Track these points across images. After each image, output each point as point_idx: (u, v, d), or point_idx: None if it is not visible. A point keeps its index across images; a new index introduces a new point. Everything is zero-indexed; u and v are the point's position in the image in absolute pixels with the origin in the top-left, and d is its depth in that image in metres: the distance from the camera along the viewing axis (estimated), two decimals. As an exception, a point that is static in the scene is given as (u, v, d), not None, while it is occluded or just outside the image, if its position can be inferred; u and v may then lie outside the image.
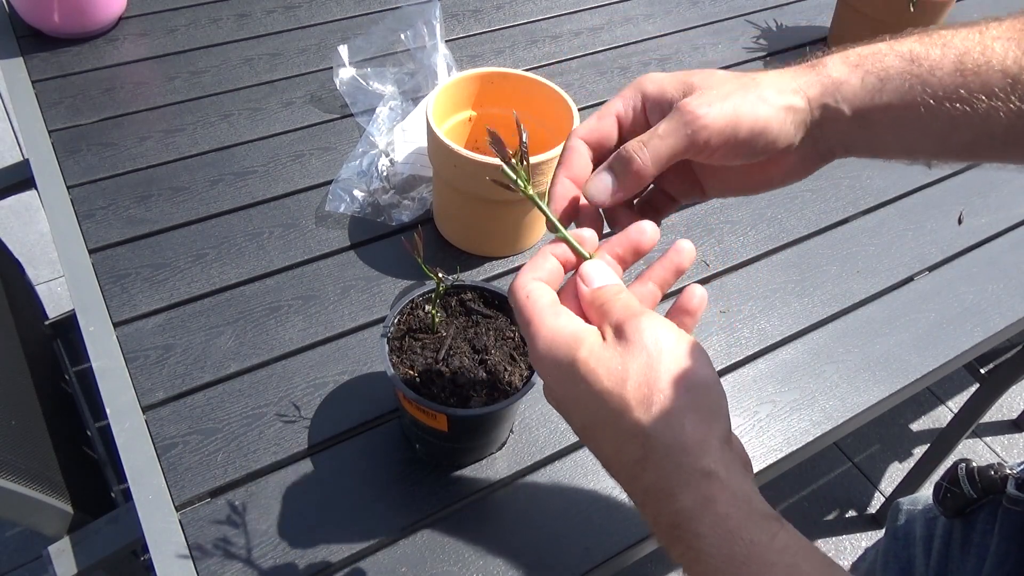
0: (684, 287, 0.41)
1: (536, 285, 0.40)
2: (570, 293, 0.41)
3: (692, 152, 0.40)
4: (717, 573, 0.33)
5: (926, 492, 0.75)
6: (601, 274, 0.40)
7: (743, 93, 0.40)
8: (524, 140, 0.42)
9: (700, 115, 0.39)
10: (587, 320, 0.40)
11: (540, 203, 0.42)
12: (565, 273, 0.42)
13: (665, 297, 0.41)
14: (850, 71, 0.41)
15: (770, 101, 0.40)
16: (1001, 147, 0.40)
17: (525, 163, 0.41)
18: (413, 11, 1.01)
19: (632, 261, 0.42)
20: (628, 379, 0.35)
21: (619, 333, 0.37)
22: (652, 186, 0.47)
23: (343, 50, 0.98)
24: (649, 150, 0.40)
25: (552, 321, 0.38)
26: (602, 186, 0.41)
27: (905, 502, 0.79)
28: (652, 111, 0.42)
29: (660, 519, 0.35)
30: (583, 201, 0.43)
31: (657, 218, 0.47)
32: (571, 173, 0.43)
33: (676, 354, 0.36)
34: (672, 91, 0.41)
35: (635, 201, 0.48)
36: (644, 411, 0.35)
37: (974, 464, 0.67)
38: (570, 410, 0.38)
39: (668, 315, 0.40)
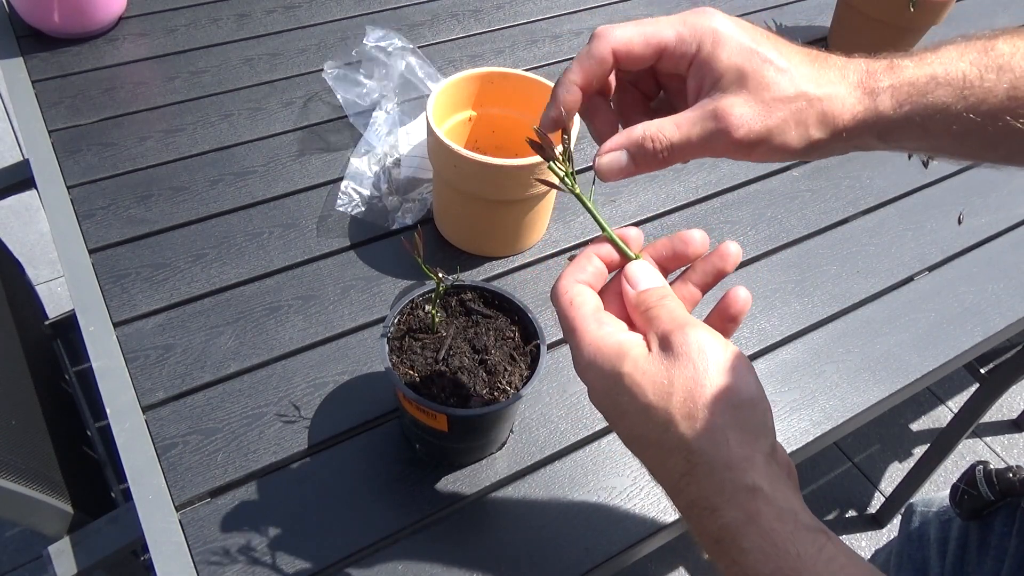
0: (728, 290, 0.40)
1: (580, 289, 0.39)
2: (613, 292, 0.41)
3: (711, 154, 0.39)
4: None
5: (940, 494, 0.75)
6: (647, 276, 0.40)
7: (784, 116, 0.38)
8: (570, 141, 0.41)
9: (734, 133, 0.38)
10: (630, 322, 0.39)
11: (587, 202, 0.41)
12: (609, 273, 0.41)
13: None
14: (897, 106, 0.38)
15: (804, 133, 0.38)
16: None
17: (570, 164, 0.41)
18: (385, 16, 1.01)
19: (674, 268, 0.41)
20: (673, 393, 0.35)
21: (665, 344, 0.36)
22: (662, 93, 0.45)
23: (327, 68, 0.98)
24: (674, 148, 0.38)
25: (596, 330, 0.37)
26: (616, 165, 0.39)
27: (919, 504, 0.78)
28: (697, 71, 0.39)
29: (704, 533, 0.35)
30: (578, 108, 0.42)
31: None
32: (584, 66, 0.40)
33: (722, 368, 0.35)
34: (726, 70, 0.38)
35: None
36: (689, 426, 0.34)
37: (992, 466, 0.67)
38: (615, 420, 0.38)
39: (708, 318, 0.40)
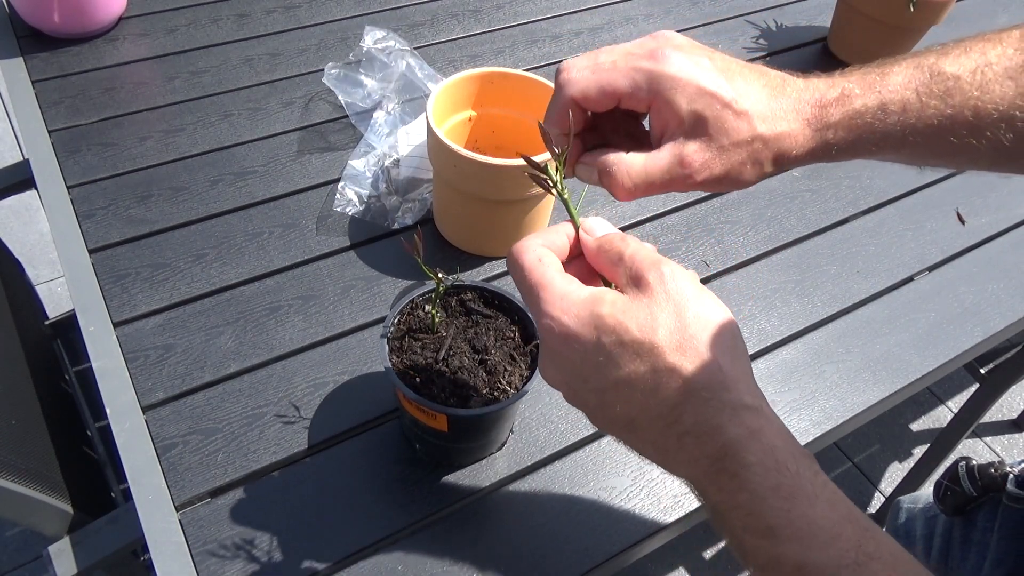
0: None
1: (546, 251, 0.39)
2: (574, 268, 0.41)
3: (673, 189, 0.43)
4: (762, 501, 0.33)
5: (926, 491, 0.75)
6: (603, 225, 0.41)
7: (741, 158, 0.41)
8: (560, 151, 0.42)
9: (696, 177, 0.41)
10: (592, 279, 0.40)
11: (568, 204, 0.42)
12: (571, 256, 0.42)
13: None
14: (844, 136, 0.42)
15: (759, 171, 0.42)
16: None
17: (563, 168, 0.42)
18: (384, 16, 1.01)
19: None
20: (659, 327, 0.35)
21: (639, 283, 0.36)
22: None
23: (328, 68, 0.98)
24: (638, 187, 0.42)
25: (565, 284, 0.37)
26: (588, 176, 0.44)
27: (905, 500, 0.79)
28: (658, 114, 0.42)
29: (702, 457, 0.35)
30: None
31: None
32: (557, 126, 0.44)
33: (701, 301, 0.36)
34: (689, 116, 0.41)
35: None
36: (679, 355, 0.35)
37: (975, 462, 0.67)
38: (586, 375, 0.37)
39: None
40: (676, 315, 0.35)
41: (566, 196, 0.42)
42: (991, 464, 0.66)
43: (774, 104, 0.42)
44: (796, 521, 0.33)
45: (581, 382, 0.37)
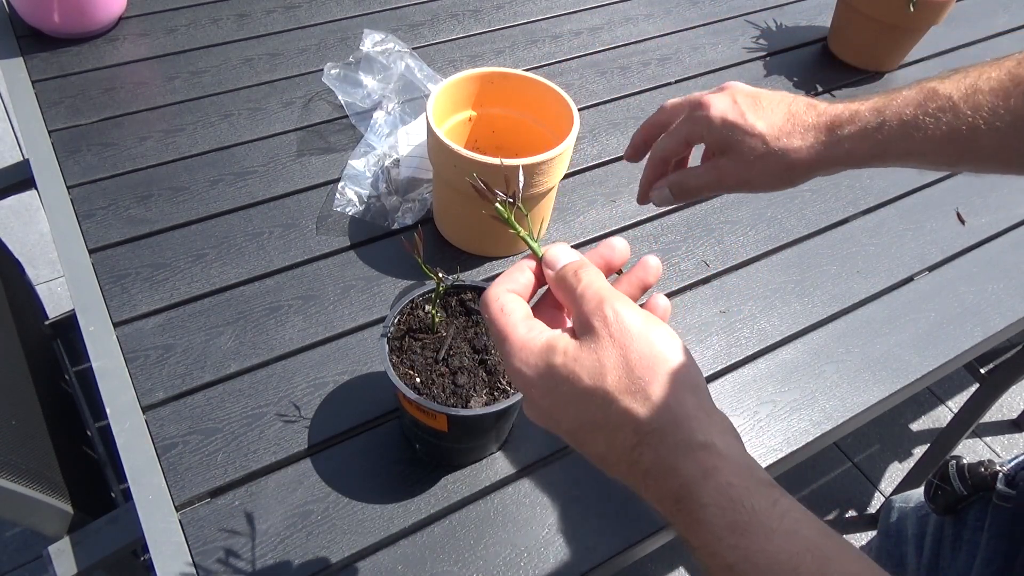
0: (649, 298, 0.41)
1: (510, 298, 0.41)
2: (545, 304, 0.43)
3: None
4: (719, 541, 0.34)
5: (918, 490, 0.75)
6: (564, 254, 0.42)
7: (763, 168, 0.55)
8: (516, 191, 0.46)
9: (726, 181, 0.57)
10: (562, 325, 0.41)
11: (527, 238, 0.44)
12: (537, 288, 0.43)
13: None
14: (852, 148, 0.53)
15: (779, 173, 0.55)
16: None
17: (515, 206, 0.46)
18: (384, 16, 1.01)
19: (606, 275, 0.43)
20: (607, 373, 0.36)
21: (586, 329, 0.37)
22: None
23: (328, 68, 0.98)
24: (691, 188, 0.59)
25: (525, 333, 0.39)
26: (664, 198, 0.60)
27: (897, 500, 0.79)
28: (711, 141, 0.58)
29: (664, 496, 0.36)
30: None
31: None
32: (645, 135, 0.64)
33: (645, 338, 0.37)
34: (717, 144, 0.57)
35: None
36: (629, 399, 0.36)
37: (965, 461, 0.67)
38: (557, 418, 0.39)
39: (618, 283, 0.42)
40: (622, 357, 0.36)
41: (523, 234, 0.44)
42: (981, 463, 0.66)
43: (790, 125, 0.54)
44: (753, 558, 0.33)
45: (554, 424, 0.39)
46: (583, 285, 0.39)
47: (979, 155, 0.50)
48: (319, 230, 0.82)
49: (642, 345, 0.36)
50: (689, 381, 0.37)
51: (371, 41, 1.00)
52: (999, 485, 0.63)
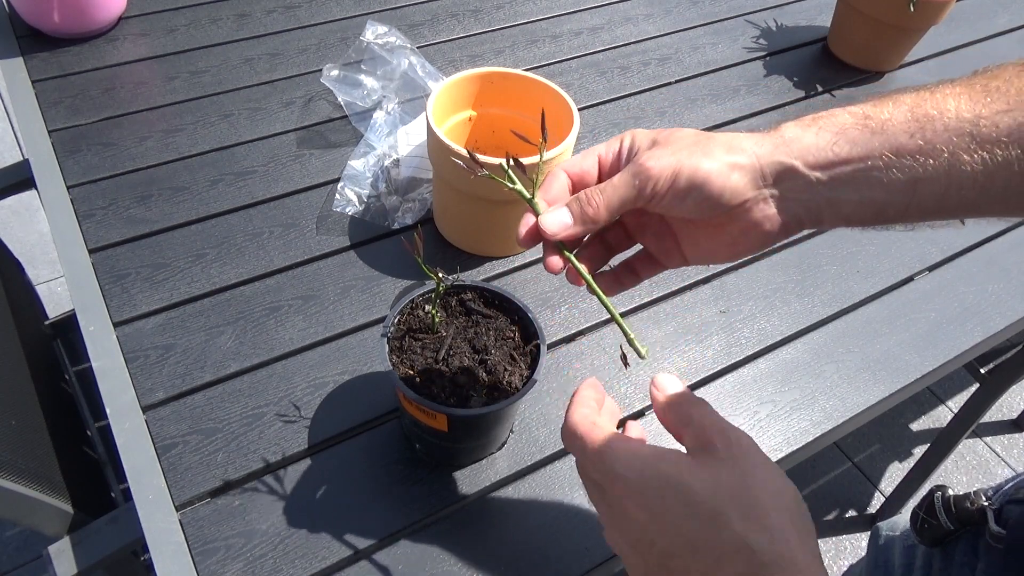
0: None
1: (597, 417, 0.40)
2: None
3: (642, 200, 0.43)
4: None
5: (905, 516, 0.74)
6: (674, 383, 0.41)
7: (692, 149, 0.42)
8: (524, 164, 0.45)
9: (648, 167, 0.42)
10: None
11: (535, 204, 0.45)
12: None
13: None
14: (803, 130, 0.41)
15: (715, 156, 0.41)
16: (973, 202, 0.39)
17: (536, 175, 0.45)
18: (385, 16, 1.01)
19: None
20: (721, 492, 0.34)
21: (706, 445, 0.36)
22: (639, 247, 0.50)
23: (327, 68, 0.98)
24: (604, 196, 0.43)
25: (624, 443, 0.37)
26: (557, 221, 0.44)
27: (884, 527, 0.78)
28: (624, 160, 0.45)
29: None
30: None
31: (636, 280, 0.49)
32: (547, 196, 0.46)
33: (765, 468, 0.35)
34: (640, 144, 0.44)
35: (615, 263, 0.51)
36: (746, 525, 0.33)
37: (950, 492, 0.66)
38: (653, 535, 0.35)
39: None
40: (742, 482, 0.34)
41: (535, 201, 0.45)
42: (966, 496, 0.64)
43: (721, 134, 0.45)
44: None
45: (646, 543, 0.36)
46: (701, 412, 0.38)
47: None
48: (319, 230, 0.82)
49: (764, 474, 0.34)
50: (808, 525, 0.34)
51: (373, 33, 1.00)
52: (991, 523, 0.60)
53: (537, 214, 0.44)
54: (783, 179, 0.41)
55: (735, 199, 0.42)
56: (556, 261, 0.45)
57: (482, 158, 0.68)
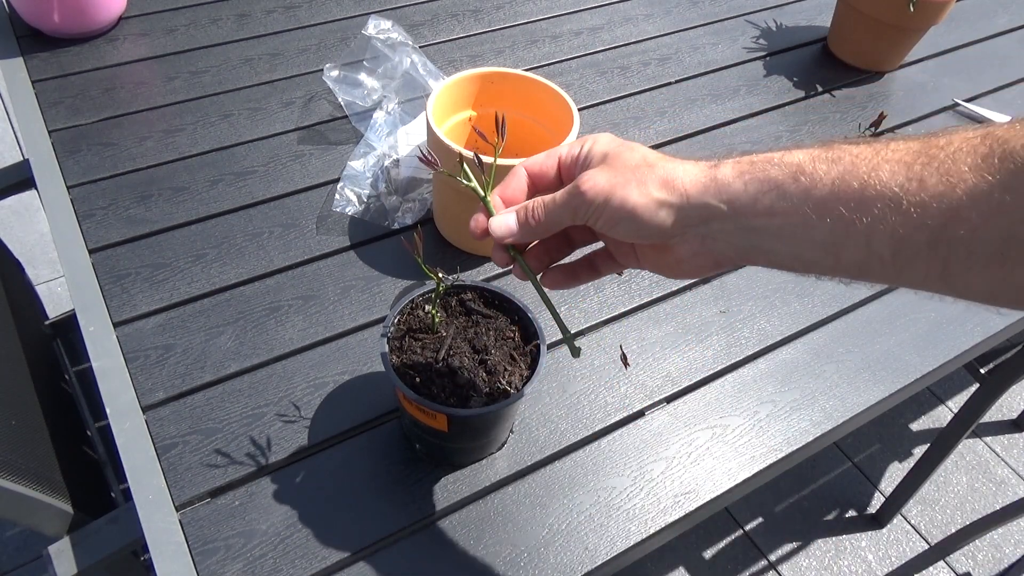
0: None
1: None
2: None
3: (578, 221, 0.45)
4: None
5: None
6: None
7: (627, 177, 0.43)
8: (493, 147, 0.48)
9: (583, 191, 0.44)
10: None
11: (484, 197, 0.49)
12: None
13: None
14: (736, 176, 0.41)
15: (646, 190, 0.43)
16: (893, 270, 0.38)
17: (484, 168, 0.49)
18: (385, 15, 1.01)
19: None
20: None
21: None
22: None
23: (328, 68, 0.98)
24: (545, 211, 0.46)
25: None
26: (504, 226, 0.47)
27: None
28: (579, 168, 0.47)
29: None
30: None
31: (594, 275, 0.51)
32: (504, 192, 0.49)
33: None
34: (593, 156, 0.46)
35: (577, 256, 0.52)
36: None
37: None
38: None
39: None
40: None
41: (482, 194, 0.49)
42: None
43: (671, 158, 0.46)
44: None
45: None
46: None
47: None
48: (319, 230, 0.82)
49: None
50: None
51: (375, 27, 0.99)
52: None
53: (490, 213, 0.48)
54: (711, 220, 0.42)
55: (660, 236, 0.43)
56: (503, 257, 0.49)
57: (483, 158, 0.68)
